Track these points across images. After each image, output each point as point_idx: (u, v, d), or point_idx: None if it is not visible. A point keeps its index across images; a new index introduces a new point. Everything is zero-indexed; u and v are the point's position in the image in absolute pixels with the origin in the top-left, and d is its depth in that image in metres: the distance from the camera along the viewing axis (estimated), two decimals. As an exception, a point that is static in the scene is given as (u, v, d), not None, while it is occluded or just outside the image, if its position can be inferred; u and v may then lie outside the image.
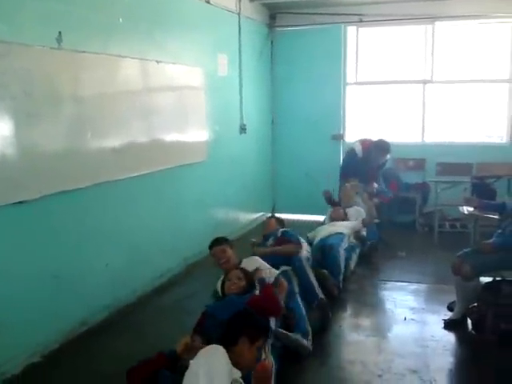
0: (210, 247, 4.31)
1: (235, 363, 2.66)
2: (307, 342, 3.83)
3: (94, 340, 4.25)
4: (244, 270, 3.98)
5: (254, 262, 4.31)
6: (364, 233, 6.30)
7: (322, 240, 5.56)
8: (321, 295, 4.51)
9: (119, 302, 4.79)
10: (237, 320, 2.85)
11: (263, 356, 3.17)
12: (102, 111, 4.57)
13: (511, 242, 4.12)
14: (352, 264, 5.68)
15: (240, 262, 4.27)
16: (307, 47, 8.41)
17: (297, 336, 3.77)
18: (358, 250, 5.98)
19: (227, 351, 2.65)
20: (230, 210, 7.20)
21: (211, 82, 6.47)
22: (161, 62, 5.35)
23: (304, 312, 4.08)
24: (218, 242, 4.30)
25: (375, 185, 7.25)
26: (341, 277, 5.23)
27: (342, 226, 5.96)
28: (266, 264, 4.37)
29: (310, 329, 3.97)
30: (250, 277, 3.95)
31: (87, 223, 4.41)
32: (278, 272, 4.31)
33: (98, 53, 4.45)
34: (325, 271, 5.02)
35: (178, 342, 2.99)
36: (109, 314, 4.64)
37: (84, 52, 4.28)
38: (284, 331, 3.69)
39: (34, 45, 3.81)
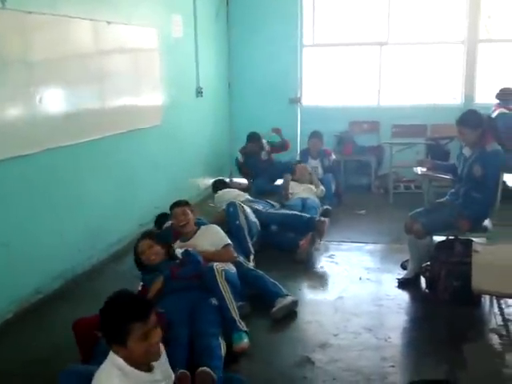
0: (171, 208, 4.32)
1: (138, 361, 2.22)
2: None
3: (50, 308, 4.21)
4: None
5: (212, 230, 4.28)
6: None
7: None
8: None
9: (75, 270, 4.74)
10: (114, 321, 2.20)
11: None
12: (52, 75, 4.42)
13: (467, 201, 4.23)
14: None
15: (198, 228, 4.26)
16: (263, 8, 8.29)
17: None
18: None
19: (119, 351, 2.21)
20: (187, 174, 7.12)
21: (165, 43, 6.32)
22: (112, 22, 5.17)
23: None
24: (179, 203, 4.32)
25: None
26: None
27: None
28: (223, 235, 4.31)
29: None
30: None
31: (38, 190, 4.30)
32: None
33: (46, 13, 4.27)
34: None
35: None
36: (64, 282, 4.59)
37: (30, 12, 4.09)
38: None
39: (-24, 4, 3.64)
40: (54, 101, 4.46)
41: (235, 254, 4.24)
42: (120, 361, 2.17)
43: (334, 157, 7.28)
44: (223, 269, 3.75)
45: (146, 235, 3.88)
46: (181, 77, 6.88)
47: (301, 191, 6.49)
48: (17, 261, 4.07)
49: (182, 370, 2.89)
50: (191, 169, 7.25)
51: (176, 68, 6.68)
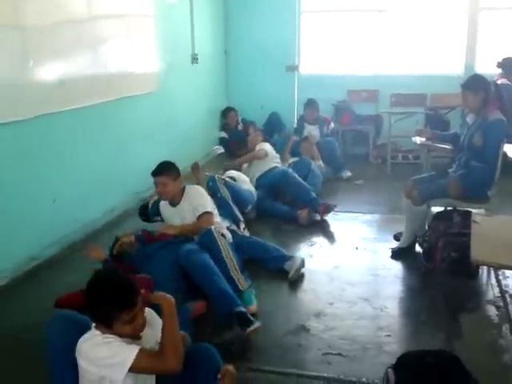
0: (154, 174, 4.07)
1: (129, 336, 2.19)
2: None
3: (45, 275, 4.18)
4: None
5: (194, 194, 4.13)
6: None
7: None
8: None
9: (70, 237, 4.69)
10: (98, 309, 2.15)
11: None
12: (45, 40, 4.30)
13: (466, 171, 4.18)
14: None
15: (184, 188, 4.14)
16: (261, -27, 8.10)
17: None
18: None
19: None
20: (183, 142, 7.00)
21: (160, 8, 6.19)
22: (106, -14, 5.05)
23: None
24: (161, 171, 4.02)
25: None
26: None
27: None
28: (203, 200, 4.14)
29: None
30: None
31: (31, 157, 4.23)
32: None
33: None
34: None
35: None
36: (60, 249, 4.55)
37: (23, -24, 3.97)
38: None
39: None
40: (46, 66, 4.36)
41: (214, 221, 4.04)
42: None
43: (333, 125, 7.23)
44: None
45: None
46: (176, 43, 6.76)
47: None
48: (12, 228, 4.02)
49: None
50: (187, 136, 7.15)
51: (171, 34, 6.56)
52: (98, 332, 2.14)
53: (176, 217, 4.09)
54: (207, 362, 2.31)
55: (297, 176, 5.63)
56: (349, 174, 6.81)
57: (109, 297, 2.11)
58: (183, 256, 3.48)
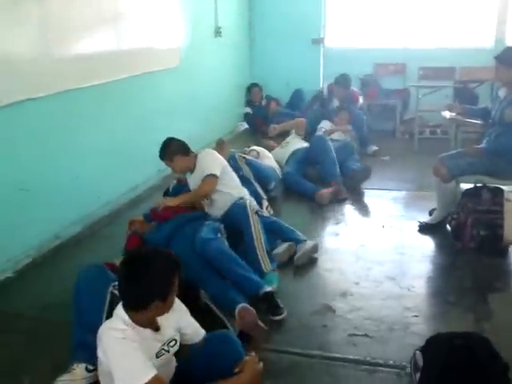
0: None
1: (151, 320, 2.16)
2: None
3: (68, 253, 4.17)
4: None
5: (203, 158, 4.01)
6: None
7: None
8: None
9: (92, 215, 4.67)
10: (143, 285, 2.06)
11: None
12: (65, 14, 4.23)
13: (495, 146, 4.05)
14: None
15: (196, 156, 4.07)
16: None
17: None
18: None
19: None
20: (207, 118, 6.92)
21: (183, -20, 6.07)
22: (127, -42, 4.96)
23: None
24: (159, 156, 4.10)
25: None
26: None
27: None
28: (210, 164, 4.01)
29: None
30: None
31: (53, 134, 4.19)
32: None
33: None
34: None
35: None
36: (82, 228, 4.53)
37: None
38: None
39: None
40: (66, 41, 4.30)
41: (214, 185, 3.91)
42: (126, 317, 2.09)
43: (361, 101, 7.07)
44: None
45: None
46: (199, 16, 6.64)
47: (336, 135, 6.27)
48: (34, 206, 4.01)
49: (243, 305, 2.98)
50: (211, 112, 7.05)
51: (194, 6, 6.43)
52: (118, 325, 2.06)
53: (192, 185, 4.07)
54: (228, 350, 2.28)
55: (331, 147, 5.49)
56: (375, 148, 6.67)
57: (164, 265, 2.09)
58: (198, 246, 3.38)
